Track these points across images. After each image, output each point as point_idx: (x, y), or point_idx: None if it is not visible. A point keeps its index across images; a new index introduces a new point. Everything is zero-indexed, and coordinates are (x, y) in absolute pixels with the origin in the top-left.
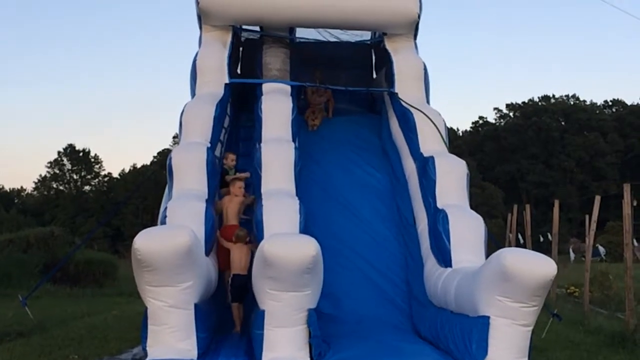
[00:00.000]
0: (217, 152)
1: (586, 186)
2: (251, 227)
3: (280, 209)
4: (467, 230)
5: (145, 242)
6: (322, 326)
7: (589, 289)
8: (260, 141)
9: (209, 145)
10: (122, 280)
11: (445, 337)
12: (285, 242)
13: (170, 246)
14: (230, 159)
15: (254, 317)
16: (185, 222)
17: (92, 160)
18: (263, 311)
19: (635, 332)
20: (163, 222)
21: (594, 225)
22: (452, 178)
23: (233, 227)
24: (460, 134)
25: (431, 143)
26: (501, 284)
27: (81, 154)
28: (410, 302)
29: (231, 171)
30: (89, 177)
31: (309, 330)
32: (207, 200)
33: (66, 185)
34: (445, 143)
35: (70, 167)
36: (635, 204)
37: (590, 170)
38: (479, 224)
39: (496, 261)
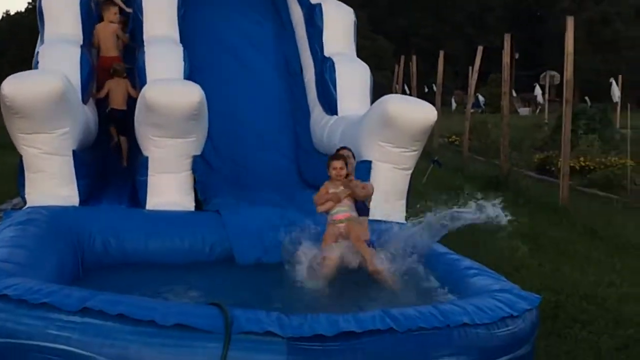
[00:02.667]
0: None
1: (475, 40)
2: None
3: (164, 55)
4: (353, 78)
5: (14, 87)
6: (207, 172)
7: (469, 138)
8: None
9: None
10: None
11: None
12: (169, 88)
13: (41, 91)
14: None
15: (137, 164)
16: (58, 67)
17: None
18: (146, 158)
19: (508, 176)
20: (36, 68)
21: (475, 75)
22: (339, 26)
23: (112, 59)
24: None
25: None
26: (383, 129)
27: None
28: (296, 150)
29: None
30: None
31: (194, 176)
32: (82, 46)
33: None
34: None
35: None
36: (517, 56)
37: (480, 25)
38: (365, 72)
39: (379, 107)
